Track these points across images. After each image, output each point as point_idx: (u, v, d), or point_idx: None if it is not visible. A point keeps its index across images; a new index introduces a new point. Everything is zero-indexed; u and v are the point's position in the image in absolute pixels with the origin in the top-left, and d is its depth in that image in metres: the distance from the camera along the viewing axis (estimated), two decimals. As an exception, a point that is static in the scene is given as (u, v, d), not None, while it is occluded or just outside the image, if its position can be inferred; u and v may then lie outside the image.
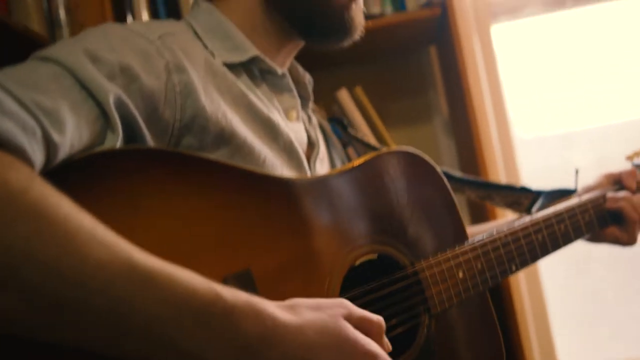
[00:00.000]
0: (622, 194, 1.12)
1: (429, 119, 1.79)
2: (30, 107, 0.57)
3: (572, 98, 1.90)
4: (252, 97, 0.84)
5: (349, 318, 0.63)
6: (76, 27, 1.43)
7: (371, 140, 1.49)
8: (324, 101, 1.59)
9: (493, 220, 1.48)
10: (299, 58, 0.99)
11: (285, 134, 0.87)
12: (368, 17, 1.48)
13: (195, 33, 0.88)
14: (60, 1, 1.41)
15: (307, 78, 1.03)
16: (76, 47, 0.69)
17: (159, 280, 0.52)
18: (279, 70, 0.92)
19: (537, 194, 1.18)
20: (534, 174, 1.85)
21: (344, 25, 0.91)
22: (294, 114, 0.93)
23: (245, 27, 0.91)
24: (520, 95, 1.89)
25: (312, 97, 1.03)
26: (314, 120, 1.03)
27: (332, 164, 1.11)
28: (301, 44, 0.97)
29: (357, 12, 0.92)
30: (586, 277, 1.96)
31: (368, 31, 1.49)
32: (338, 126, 1.16)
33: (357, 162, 0.85)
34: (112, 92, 0.66)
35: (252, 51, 0.88)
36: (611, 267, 1.93)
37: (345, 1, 0.90)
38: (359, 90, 1.54)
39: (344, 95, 1.53)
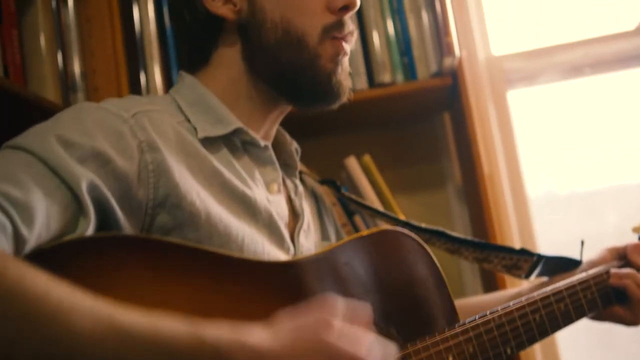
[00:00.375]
0: (627, 270, 1.07)
1: (442, 186, 1.77)
2: (1, 201, 0.58)
3: (589, 158, 1.86)
4: (227, 174, 0.85)
5: (332, 329, 0.63)
6: (91, 92, 1.48)
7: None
8: (333, 167, 1.59)
9: (503, 288, 1.44)
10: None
11: (264, 209, 0.87)
12: (379, 85, 1.51)
13: (179, 107, 0.90)
14: (76, 67, 1.46)
15: (295, 146, 1.04)
16: (48, 134, 0.70)
17: (144, 335, 0.53)
18: (262, 142, 0.93)
19: (538, 258, 1.14)
20: (552, 238, 1.81)
21: (331, 90, 0.92)
22: (275, 187, 0.94)
23: (229, 97, 0.92)
24: (537, 156, 1.86)
25: (298, 166, 1.04)
26: (300, 188, 1.02)
27: (324, 230, 1.10)
28: (288, 109, 0.99)
29: (344, 76, 0.94)
30: (611, 351, 1.87)
31: (380, 99, 1.52)
32: (331, 188, 1.16)
33: (341, 241, 0.84)
34: (84, 177, 0.67)
35: (235, 124, 0.89)
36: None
37: (332, 66, 0.91)
38: (367, 159, 1.54)
39: (352, 163, 1.53)
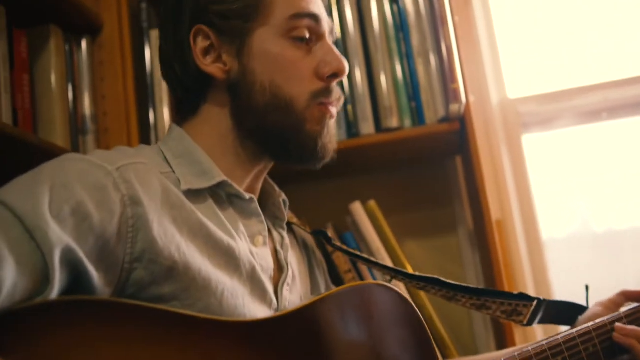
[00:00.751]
0: (631, 328, 0.99)
1: (453, 230, 1.74)
2: None
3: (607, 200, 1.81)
4: (212, 227, 0.85)
5: None
6: (101, 134, 1.50)
7: (384, 257, 1.47)
8: (339, 212, 1.58)
9: (510, 337, 1.40)
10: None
11: (248, 262, 0.87)
12: (386, 130, 1.50)
13: (165, 159, 0.91)
14: (87, 110, 1.48)
15: (282, 197, 1.04)
16: (31, 187, 0.71)
17: None
18: (246, 195, 0.93)
19: (538, 303, 1.09)
20: (569, 283, 1.76)
21: (315, 152, 0.94)
22: (260, 240, 0.94)
23: (215, 151, 0.93)
24: (552, 196, 1.82)
25: (286, 218, 1.03)
26: (287, 240, 1.02)
27: (314, 282, 1.10)
28: (272, 164, 1.00)
29: (329, 138, 0.95)
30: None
31: (387, 143, 1.51)
32: (322, 238, 1.15)
33: (320, 296, 0.83)
34: (59, 242, 0.67)
35: (219, 177, 0.90)
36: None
37: (318, 129, 0.93)
38: (372, 204, 1.53)
39: (357, 208, 1.52)
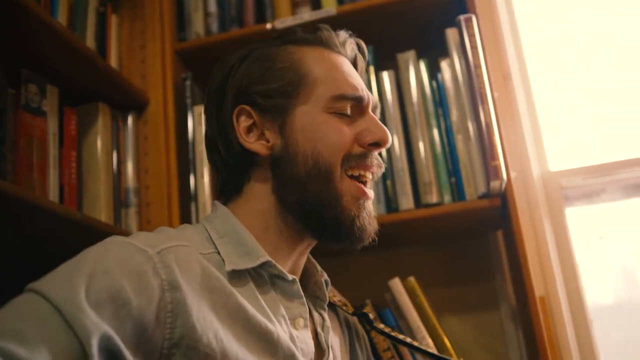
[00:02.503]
0: None
1: (495, 306, 1.70)
2: None
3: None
4: (251, 310, 0.84)
5: None
6: (143, 207, 1.53)
7: (424, 335, 1.43)
8: (379, 287, 1.56)
9: None
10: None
11: (287, 347, 0.86)
12: (425, 205, 1.49)
13: (210, 237, 0.91)
14: (130, 184, 1.52)
15: (325, 277, 1.03)
16: (70, 277, 0.72)
17: None
18: (289, 277, 0.92)
19: None
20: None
21: (353, 233, 0.93)
22: (301, 322, 0.92)
23: (258, 229, 0.94)
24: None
25: (327, 299, 1.02)
26: (327, 322, 1.00)
27: None
28: (314, 243, 0.99)
29: (369, 221, 0.95)
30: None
31: (428, 218, 1.50)
32: (364, 320, 1.14)
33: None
34: (97, 330, 0.67)
35: (263, 257, 0.90)
36: None
37: (356, 210, 0.93)
38: (412, 281, 1.51)
39: (396, 285, 1.50)
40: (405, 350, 1.44)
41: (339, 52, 1.02)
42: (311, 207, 0.93)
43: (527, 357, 1.64)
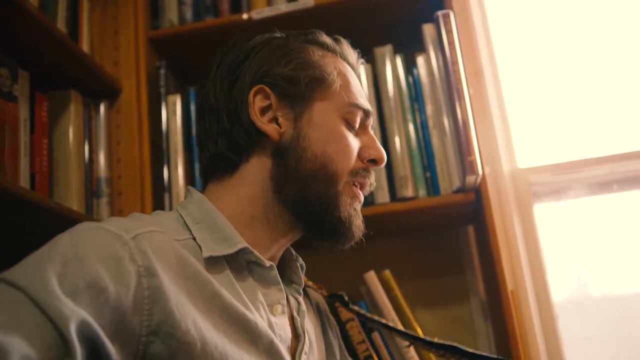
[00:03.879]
0: None
1: (465, 299, 1.73)
2: None
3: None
4: (228, 298, 0.83)
5: None
6: (115, 197, 1.50)
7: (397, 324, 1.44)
8: (354, 281, 1.57)
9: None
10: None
11: (265, 334, 0.85)
12: (400, 199, 1.50)
13: (185, 224, 0.90)
14: (102, 173, 1.48)
15: (300, 262, 1.03)
16: (42, 265, 0.70)
17: None
18: (267, 263, 0.92)
19: None
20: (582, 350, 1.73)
21: (350, 233, 0.96)
22: (279, 309, 0.92)
23: (243, 215, 0.94)
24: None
25: (303, 283, 1.03)
26: (303, 306, 1.01)
27: (328, 348, 1.09)
28: (298, 236, 0.99)
29: (359, 222, 0.98)
30: None
31: (402, 212, 1.51)
32: (339, 302, 1.15)
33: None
34: (74, 316, 0.65)
35: (241, 243, 0.89)
36: None
37: (351, 211, 0.95)
38: (387, 274, 1.52)
39: (372, 278, 1.50)
40: (379, 341, 1.45)
41: (353, 68, 1.05)
42: (311, 205, 0.93)
43: (495, 349, 1.67)
